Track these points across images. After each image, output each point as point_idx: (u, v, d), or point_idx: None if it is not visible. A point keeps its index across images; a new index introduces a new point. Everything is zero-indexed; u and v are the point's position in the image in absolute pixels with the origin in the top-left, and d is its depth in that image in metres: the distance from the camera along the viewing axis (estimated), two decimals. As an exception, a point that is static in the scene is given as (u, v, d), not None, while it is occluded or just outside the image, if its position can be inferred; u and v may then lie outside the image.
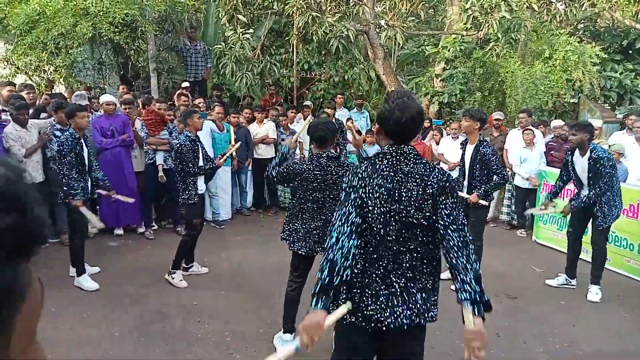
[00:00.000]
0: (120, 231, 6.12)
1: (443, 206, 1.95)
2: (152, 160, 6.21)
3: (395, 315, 1.97)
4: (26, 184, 0.67)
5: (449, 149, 7.13)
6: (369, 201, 1.96)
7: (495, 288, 4.73)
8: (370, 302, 1.98)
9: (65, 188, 4.42)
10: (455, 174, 5.09)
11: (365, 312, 1.99)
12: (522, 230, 6.84)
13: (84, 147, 4.57)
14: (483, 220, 4.74)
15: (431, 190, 1.95)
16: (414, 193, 1.95)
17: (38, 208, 0.67)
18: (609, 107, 10.28)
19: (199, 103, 7.08)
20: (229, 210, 7.15)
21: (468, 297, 1.89)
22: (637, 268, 5.15)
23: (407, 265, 1.98)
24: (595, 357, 3.59)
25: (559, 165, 6.46)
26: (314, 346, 1.79)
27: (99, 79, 8.96)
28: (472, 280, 1.93)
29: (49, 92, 7.65)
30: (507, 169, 7.05)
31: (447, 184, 1.97)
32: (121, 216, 6.08)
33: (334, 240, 1.94)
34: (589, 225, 4.71)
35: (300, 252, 3.35)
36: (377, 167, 2.00)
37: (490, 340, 3.71)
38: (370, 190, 1.97)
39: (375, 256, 1.99)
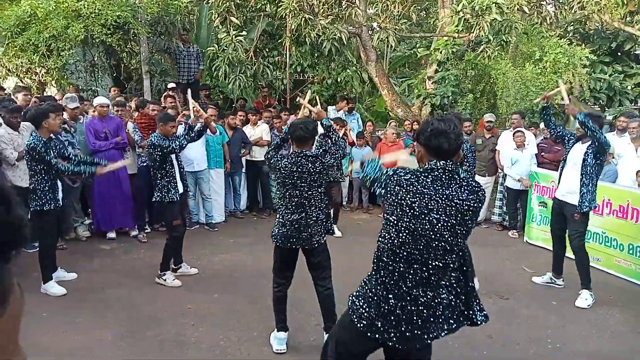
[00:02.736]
0: (112, 234, 6.09)
1: (469, 227, 1.97)
2: (144, 163, 6.19)
3: (407, 338, 1.96)
4: (8, 184, 0.69)
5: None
6: (398, 213, 1.93)
7: (487, 289, 4.76)
8: (386, 318, 1.96)
9: (34, 195, 4.27)
10: None
11: (389, 331, 1.97)
12: (514, 231, 6.90)
13: (52, 153, 4.31)
14: None
15: (471, 217, 1.94)
16: (452, 219, 1.90)
17: (20, 208, 0.67)
18: (599, 109, 10.41)
19: (194, 107, 7.05)
20: (223, 213, 7.14)
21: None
22: (627, 268, 5.21)
23: (428, 281, 1.95)
24: (587, 357, 3.63)
25: (550, 166, 6.54)
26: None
27: (91, 81, 8.91)
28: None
29: (40, 95, 7.60)
30: (499, 170, 7.13)
31: (479, 208, 1.97)
32: (114, 219, 6.06)
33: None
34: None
35: (277, 244, 3.40)
36: (418, 181, 1.94)
37: (482, 342, 3.75)
38: (402, 202, 1.93)
39: (394, 271, 1.96)
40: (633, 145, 5.90)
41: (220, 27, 8.48)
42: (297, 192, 3.33)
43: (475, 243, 4.79)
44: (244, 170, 7.48)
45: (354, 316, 2.02)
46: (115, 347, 3.58)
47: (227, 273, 5.13)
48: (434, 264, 1.92)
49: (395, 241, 1.94)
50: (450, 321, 2.02)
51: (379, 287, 1.99)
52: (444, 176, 1.93)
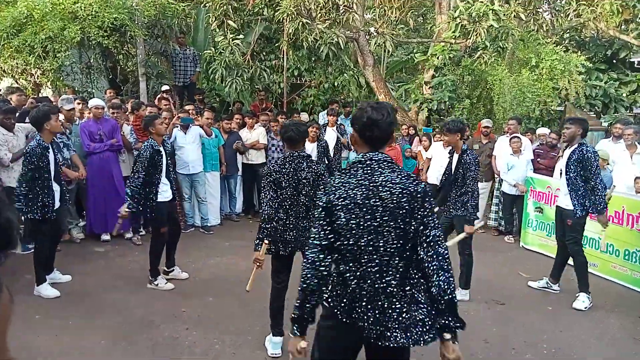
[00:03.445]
0: (107, 237, 6.05)
1: (418, 213, 1.93)
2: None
3: (384, 333, 1.94)
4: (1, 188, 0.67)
5: (439, 155, 7.18)
6: (341, 213, 1.94)
7: (483, 294, 4.76)
8: (363, 316, 1.96)
9: (28, 202, 4.17)
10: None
11: (358, 323, 1.97)
12: (510, 236, 6.90)
13: (53, 155, 4.30)
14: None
15: (405, 199, 1.92)
16: (389, 203, 1.92)
17: (10, 211, 0.66)
18: (594, 115, 10.47)
19: (189, 109, 7.05)
20: (218, 216, 7.11)
21: (447, 325, 1.93)
22: (623, 274, 5.22)
23: (392, 279, 1.94)
24: (582, 362, 3.62)
25: (546, 172, 6.55)
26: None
27: (87, 83, 8.88)
28: (450, 305, 1.93)
29: (35, 96, 7.57)
30: (496, 176, 7.14)
31: (420, 192, 1.94)
32: (108, 222, 6.01)
33: (308, 262, 1.99)
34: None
35: (280, 252, 3.42)
36: (350, 177, 1.97)
37: (478, 347, 3.74)
38: (341, 202, 1.94)
39: (353, 263, 1.97)
40: (628, 152, 5.93)
41: (218, 30, 8.48)
42: (291, 192, 3.34)
43: (472, 248, 4.79)
44: (239, 173, 7.46)
45: (334, 309, 2.01)
46: (108, 350, 3.54)
47: (222, 276, 5.09)
48: (389, 250, 1.93)
49: (351, 239, 1.95)
50: (424, 325, 1.97)
51: (348, 284, 1.99)
52: (374, 165, 1.97)
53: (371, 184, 1.94)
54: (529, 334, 4.00)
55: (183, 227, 5.88)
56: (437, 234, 1.95)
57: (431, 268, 1.91)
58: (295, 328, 2.04)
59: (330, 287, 2.05)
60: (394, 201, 1.92)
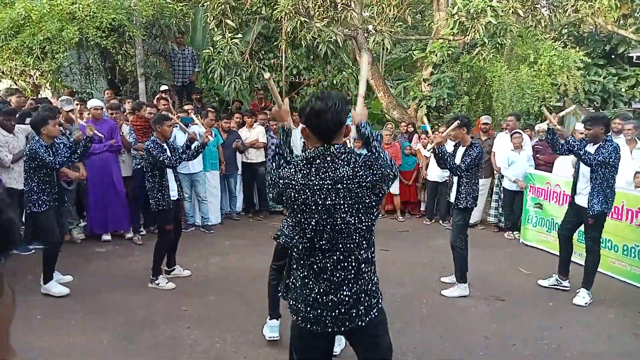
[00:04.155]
0: (108, 237, 6.06)
1: (370, 204, 1.94)
2: (139, 165, 6.17)
3: (339, 319, 1.96)
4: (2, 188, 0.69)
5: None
6: (299, 210, 1.92)
7: (483, 290, 4.77)
8: (313, 306, 1.97)
9: (31, 198, 4.26)
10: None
11: (312, 318, 1.97)
12: (509, 232, 6.91)
13: (52, 155, 4.35)
14: (461, 226, 4.69)
15: (367, 192, 1.90)
16: (348, 199, 1.89)
17: (11, 211, 0.67)
18: (593, 111, 10.46)
19: (188, 109, 7.06)
20: (219, 215, 7.13)
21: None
22: (622, 269, 5.23)
23: (350, 274, 1.95)
24: (583, 358, 3.63)
25: (545, 167, 6.56)
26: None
27: (85, 83, 8.88)
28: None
29: (35, 97, 7.57)
30: (495, 172, 7.15)
31: (378, 180, 1.92)
32: (109, 222, 6.03)
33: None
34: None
35: (280, 242, 3.44)
36: (306, 173, 1.92)
37: (478, 343, 3.75)
38: (300, 200, 1.91)
39: (315, 266, 1.96)
40: (628, 147, 5.93)
41: (216, 29, 8.48)
42: None
43: (472, 244, 4.81)
44: (239, 172, 7.48)
45: (295, 316, 2.04)
46: (109, 349, 3.55)
47: (222, 275, 5.11)
48: (347, 246, 1.93)
49: (307, 236, 1.94)
50: (366, 300, 2.00)
51: (304, 284, 1.99)
52: (327, 159, 1.90)
53: (327, 179, 1.89)
54: (529, 330, 4.01)
55: (184, 227, 5.89)
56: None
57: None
58: None
59: (291, 294, 2.06)
60: (352, 196, 1.89)
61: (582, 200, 4.62)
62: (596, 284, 4.65)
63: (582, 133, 6.13)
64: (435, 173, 7.36)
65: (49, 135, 4.32)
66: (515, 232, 6.86)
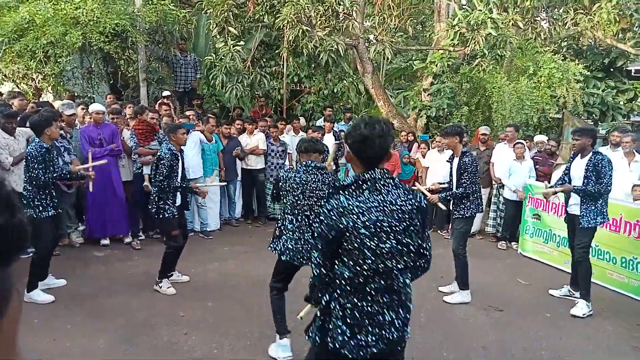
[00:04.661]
0: (106, 241, 6.05)
1: (421, 221, 2.01)
2: (140, 170, 6.18)
3: (387, 340, 1.97)
4: (10, 189, 0.69)
5: (435, 162, 7.24)
6: (355, 238, 1.90)
7: (482, 300, 4.77)
8: (362, 334, 1.95)
9: (31, 202, 4.23)
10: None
11: (354, 345, 1.95)
12: (502, 242, 6.89)
13: (54, 157, 4.39)
14: (464, 233, 4.79)
15: (417, 216, 1.98)
16: (403, 223, 1.94)
17: (22, 213, 0.69)
18: (592, 123, 10.51)
19: (190, 115, 7.09)
20: (217, 221, 7.13)
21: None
22: (619, 281, 5.24)
23: (397, 291, 1.98)
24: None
25: (544, 178, 6.58)
26: None
27: (87, 88, 8.91)
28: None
29: (36, 101, 7.60)
30: (494, 182, 7.17)
31: (425, 205, 2.03)
32: (108, 226, 6.02)
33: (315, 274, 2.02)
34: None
35: (286, 259, 3.45)
36: (358, 199, 1.91)
37: (477, 354, 3.75)
38: (355, 226, 1.88)
39: (364, 288, 1.95)
40: (626, 160, 5.96)
41: (218, 36, 8.53)
42: (304, 202, 3.42)
43: (470, 255, 4.82)
44: (239, 178, 7.49)
45: (335, 344, 1.97)
46: (106, 354, 3.54)
47: (221, 281, 5.10)
48: (398, 266, 1.96)
49: (366, 264, 1.92)
50: (405, 327, 2.06)
51: (357, 312, 1.95)
52: (377, 184, 1.93)
53: (381, 204, 1.91)
54: (527, 340, 4.01)
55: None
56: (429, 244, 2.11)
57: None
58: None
59: (327, 326, 2.00)
60: (407, 218, 1.94)
61: (575, 209, 4.68)
62: (594, 296, 4.65)
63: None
64: (434, 180, 7.38)
65: (51, 136, 4.35)
66: (512, 243, 6.87)
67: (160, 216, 4.60)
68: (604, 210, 4.50)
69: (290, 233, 3.44)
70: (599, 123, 10.75)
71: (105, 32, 7.36)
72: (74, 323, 3.98)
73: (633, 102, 10.89)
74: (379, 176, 1.93)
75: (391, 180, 1.96)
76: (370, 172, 1.93)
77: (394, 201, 1.92)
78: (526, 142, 7.23)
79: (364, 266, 1.92)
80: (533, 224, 6.43)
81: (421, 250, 2.04)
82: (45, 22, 7.14)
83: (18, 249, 0.69)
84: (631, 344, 4.03)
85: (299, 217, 3.44)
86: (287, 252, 3.42)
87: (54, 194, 4.39)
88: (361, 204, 1.90)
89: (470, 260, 4.82)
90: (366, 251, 1.91)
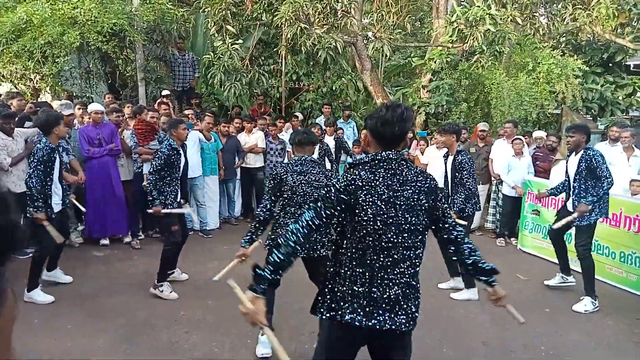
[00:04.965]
0: (106, 241, 6.05)
1: (441, 210, 2.08)
2: (140, 169, 6.18)
3: (393, 320, 2.00)
4: (6, 190, 0.69)
5: (434, 159, 7.23)
6: (368, 209, 1.97)
7: (481, 297, 4.77)
8: (370, 306, 1.99)
9: (28, 200, 4.20)
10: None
11: (363, 315, 1.99)
12: (501, 239, 6.89)
13: (58, 157, 4.40)
14: (467, 232, 4.83)
15: (426, 197, 2.03)
16: (411, 201, 2.00)
17: (17, 215, 0.69)
18: (591, 118, 10.52)
19: (189, 114, 7.08)
20: (217, 220, 7.13)
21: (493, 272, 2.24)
22: (619, 276, 5.24)
23: (405, 271, 2.02)
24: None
25: (545, 174, 6.59)
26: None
27: (86, 88, 8.90)
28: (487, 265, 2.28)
29: (35, 101, 7.59)
30: (493, 179, 7.17)
31: (435, 187, 2.08)
32: (107, 226, 6.02)
33: (293, 230, 2.00)
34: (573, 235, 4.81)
35: None
36: (374, 175, 2.00)
37: (477, 349, 3.75)
38: (369, 199, 1.97)
39: (375, 264, 1.99)
40: (625, 155, 5.97)
41: (216, 35, 8.53)
42: (300, 199, 3.38)
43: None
44: (238, 177, 7.49)
45: (338, 315, 2.03)
46: (107, 354, 3.55)
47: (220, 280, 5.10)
48: (405, 244, 2.01)
49: (374, 236, 1.98)
50: (415, 308, 2.07)
51: (358, 283, 2.00)
52: (393, 164, 2.03)
53: (394, 182, 2.00)
54: (527, 336, 4.01)
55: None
56: (453, 220, 2.16)
57: (465, 247, 2.18)
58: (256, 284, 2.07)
59: (332, 296, 2.06)
60: (415, 199, 2.01)
61: (571, 205, 4.70)
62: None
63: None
64: (437, 178, 7.39)
65: (59, 135, 4.37)
66: (512, 239, 6.88)
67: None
68: (602, 207, 4.51)
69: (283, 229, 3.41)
70: (598, 118, 10.74)
71: (103, 32, 7.35)
72: (75, 323, 3.99)
73: (632, 97, 10.89)
74: (394, 157, 2.03)
75: (404, 162, 2.05)
76: (383, 153, 2.03)
77: (404, 180, 2.01)
78: (525, 138, 7.23)
79: (370, 240, 1.98)
80: (532, 220, 6.43)
81: (447, 225, 2.11)
82: (43, 22, 7.12)
83: (12, 249, 0.69)
84: (632, 339, 4.04)
85: (297, 212, 3.39)
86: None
87: (58, 191, 4.40)
88: (376, 179, 2.00)
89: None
90: (376, 224, 1.97)
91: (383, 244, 1.98)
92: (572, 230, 4.81)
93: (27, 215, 4.22)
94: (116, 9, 7.61)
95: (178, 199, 4.73)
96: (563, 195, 5.10)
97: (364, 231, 1.99)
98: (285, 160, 7.63)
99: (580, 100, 9.42)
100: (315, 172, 3.41)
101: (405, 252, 2.01)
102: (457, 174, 4.67)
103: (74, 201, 4.77)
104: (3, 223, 0.66)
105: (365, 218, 1.98)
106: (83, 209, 4.85)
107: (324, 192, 2.05)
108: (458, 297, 4.75)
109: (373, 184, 1.99)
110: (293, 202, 3.41)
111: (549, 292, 5.03)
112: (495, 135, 8.03)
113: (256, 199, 7.75)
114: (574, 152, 4.69)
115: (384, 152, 2.03)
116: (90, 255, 5.73)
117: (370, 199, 1.97)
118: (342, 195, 1.99)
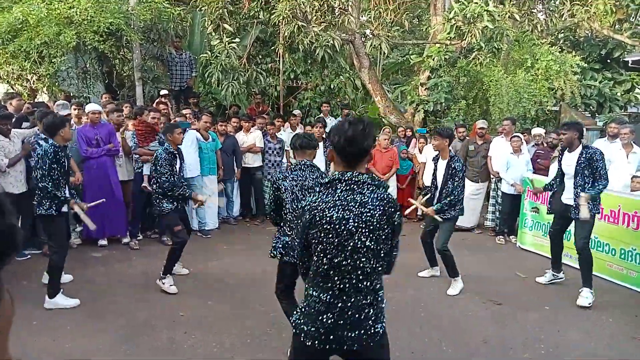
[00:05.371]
0: (104, 242, 6.04)
1: (390, 231, 2.00)
2: (140, 170, 6.17)
3: (353, 338, 1.97)
4: (2, 192, 0.69)
5: (431, 158, 7.21)
6: (321, 232, 1.96)
7: (481, 294, 4.78)
8: (322, 325, 1.98)
9: (44, 200, 4.19)
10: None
11: (316, 335, 1.98)
12: (500, 237, 6.88)
13: (65, 157, 4.40)
14: (449, 233, 4.87)
15: (384, 219, 1.97)
16: (368, 224, 1.95)
17: (13, 217, 0.67)
18: (589, 115, 10.51)
19: (186, 113, 7.06)
20: (216, 220, 7.11)
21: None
22: (619, 273, 5.24)
23: (358, 287, 1.98)
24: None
25: (546, 172, 6.58)
26: None
27: (83, 88, 8.87)
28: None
29: (31, 102, 7.55)
30: (492, 176, 7.16)
31: (395, 212, 2.00)
32: (106, 227, 6.00)
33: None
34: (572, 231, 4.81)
35: (291, 261, 3.36)
36: (331, 196, 1.98)
37: (476, 347, 3.75)
38: (322, 221, 1.95)
39: (327, 283, 1.98)
40: (624, 151, 5.97)
41: (213, 34, 8.49)
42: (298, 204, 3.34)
43: (469, 249, 4.83)
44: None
45: (302, 336, 2.02)
46: (107, 354, 3.54)
47: (220, 279, 5.10)
48: (364, 269, 1.97)
49: (327, 259, 1.97)
50: (375, 325, 2.03)
51: (318, 304, 1.99)
52: (353, 185, 1.98)
53: (351, 205, 1.95)
54: (526, 333, 4.01)
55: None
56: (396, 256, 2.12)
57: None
58: None
59: (298, 314, 2.06)
60: (374, 223, 1.95)
61: (569, 200, 4.72)
62: (593, 288, 4.65)
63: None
64: (430, 179, 7.37)
65: (64, 137, 4.35)
66: (511, 237, 6.88)
67: (162, 213, 4.74)
68: (596, 205, 4.58)
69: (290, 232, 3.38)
70: (597, 115, 10.74)
71: (99, 31, 7.32)
72: (75, 323, 3.98)
73: (630, 93, 10.88)
74: (355, 178, 1.98)
75: (369, 185, 1.98)
76: (347, 173, 1.99)
77: (364, 202, 1.95)
78: (524, 136, 7.21)
79: (326, 261, 1.97)
80: (532, 217, 6.42)
81: (386, 258, 2.05)
82: (39, 22, 7.09)
83: (7, 252, 0.68)
84: (630, 335, 4.04)
85: (294, 221, 3.36)
86: (289, 251, 3.37)
87: (64, 190, 4.37)
88: (329, 201, 1.97)
89: (469, 255, 4.85)
90: (328, 246, 1.96)
91: (340, 267, 1.96)
92: (572, 228, 4.82)
93: (36, 213, 4.24)
94: (112, 8, 7.58)
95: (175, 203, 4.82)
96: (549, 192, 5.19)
97: (318, 254, 1.99)
98: (284, 160, 7.62)
99: (578, 97, 9.40)
100: (313, 177, 3.35)
101: (362, 277, 1.97)
102: (449, 180, 4.69)
103: (79, 210, 4.60)
104: (1, 227, 0.65)
105: (315, 241, 1.98)
106: (92, 225, 4.61)
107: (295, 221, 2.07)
108: (453, 292, 4.80)
109: (324, 205, 1.96)
110: (292, 210, 3.35)
111: (548, 289, 5.03)
112: (494, 132, 8.02)
113: (255, 198, 7.73)
114: (568, 150, 4.71)
115: (346, 173, 1.98)
116: (89, 256, 5.72)
117: (320, 221, 1.96)
118: (300, 227, 2.03)
